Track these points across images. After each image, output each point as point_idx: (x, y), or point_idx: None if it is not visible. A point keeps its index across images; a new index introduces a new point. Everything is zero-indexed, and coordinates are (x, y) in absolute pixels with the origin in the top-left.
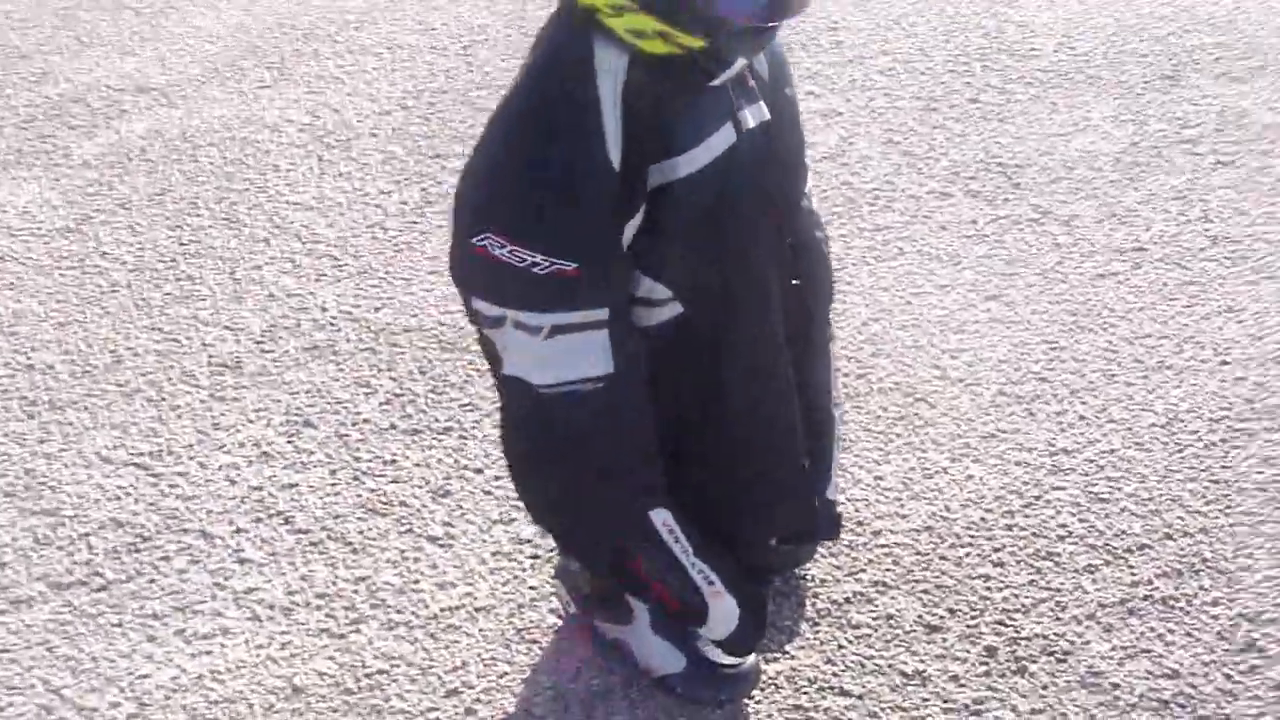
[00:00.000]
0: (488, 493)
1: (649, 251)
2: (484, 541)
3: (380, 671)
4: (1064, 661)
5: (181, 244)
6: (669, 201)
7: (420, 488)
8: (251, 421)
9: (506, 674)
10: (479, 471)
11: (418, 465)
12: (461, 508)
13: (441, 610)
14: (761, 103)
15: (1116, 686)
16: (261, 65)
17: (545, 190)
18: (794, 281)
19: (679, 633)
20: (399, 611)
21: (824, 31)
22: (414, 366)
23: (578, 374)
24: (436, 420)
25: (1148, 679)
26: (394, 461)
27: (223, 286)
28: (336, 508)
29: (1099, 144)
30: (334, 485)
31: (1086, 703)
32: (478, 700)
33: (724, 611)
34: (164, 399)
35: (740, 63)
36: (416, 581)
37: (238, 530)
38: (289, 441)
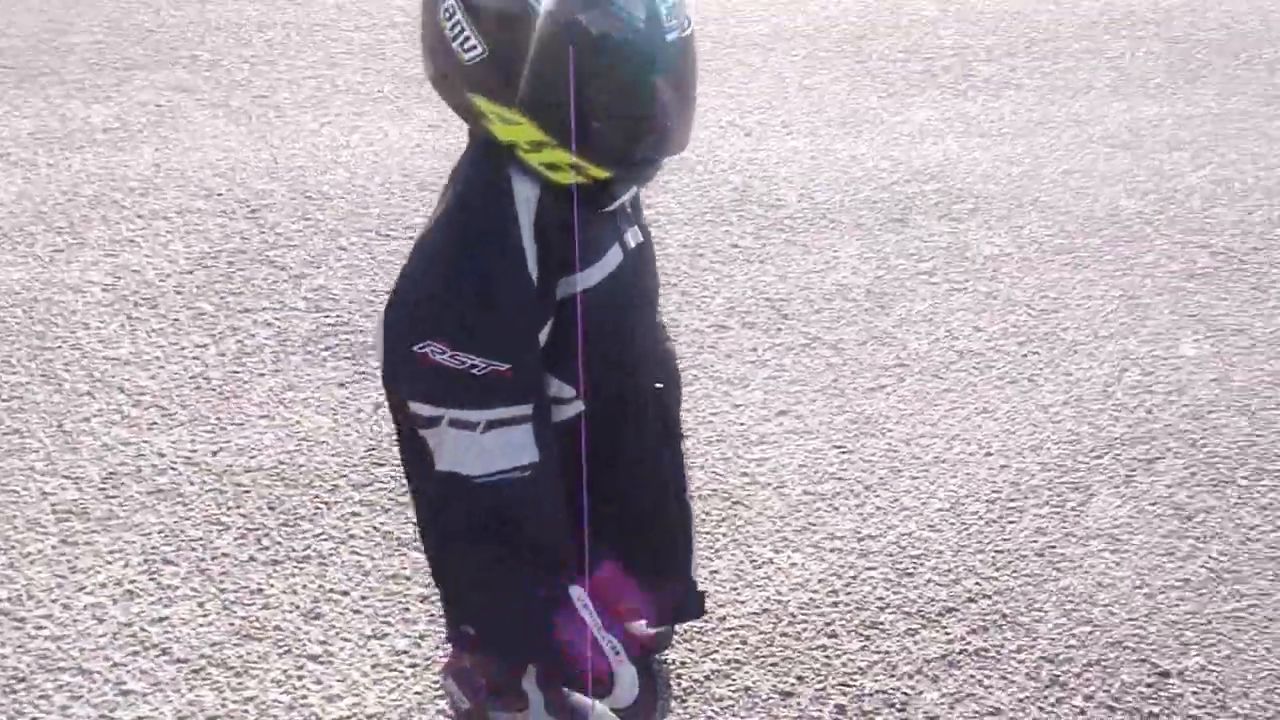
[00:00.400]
0: (358, 611)
1: (556, 356)
2: (363, 656)
3: None
4: (904, 711)
5: (3, 400)
6: (571, 313)
7: (291, 612)
8: (109, 563)
9: None
10: (345, 593)
11: (284, 592)
12: (335, 627)
13: None
14: (637, 226)
15: None
16: (51, 230)
17: (477, 302)
18: (657, 385)
19: (569, 715)
20: None
21: None
22: (262, 503)
23: (510, 463)
24: (294, 550)
25: (975, 717)
26: (260, 590)
27: (53, 438)
28: (211, 636)
29: (850, 278)
30: (205, 615)
31: None
32: None
33: (629, 679)
34: (13, 547)
35: (630, 193)
36: (304, 697)
37: (115, 665)
38: (151, 579)
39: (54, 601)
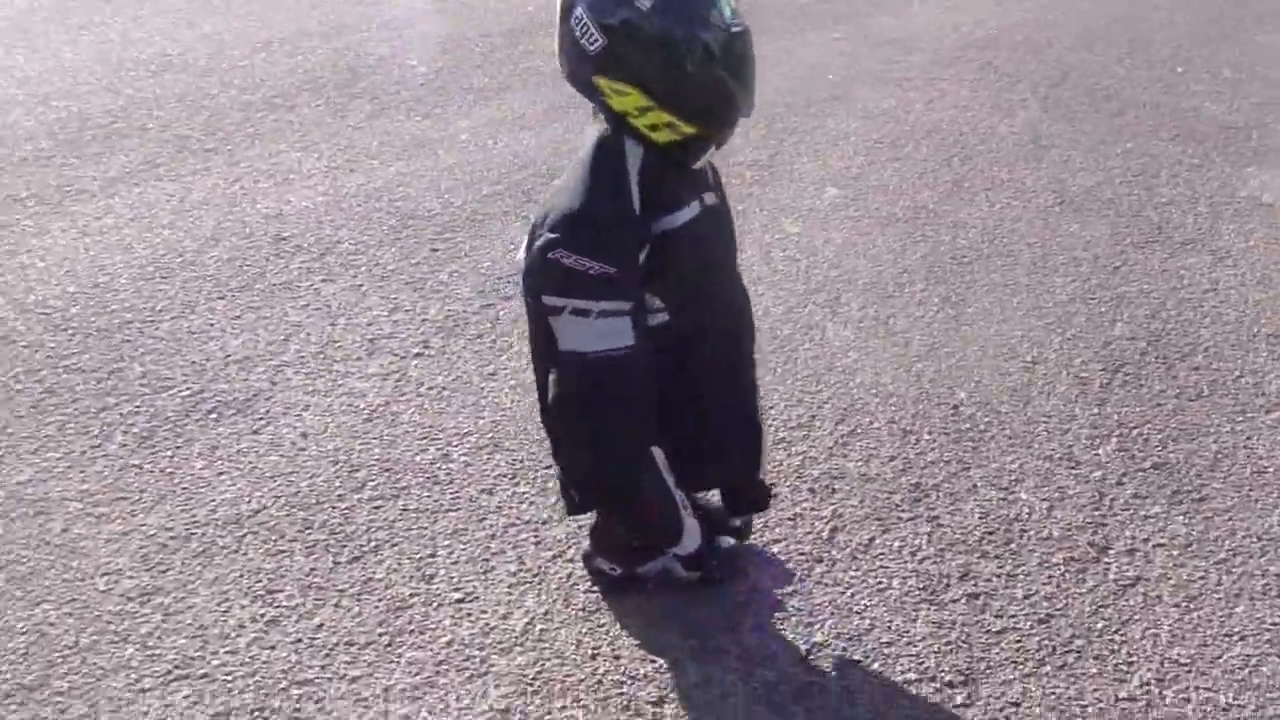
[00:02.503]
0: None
1: (650, 276)
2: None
3: None
4: None
5: None
6: (663, 244)
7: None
8: None
9: None
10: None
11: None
12: None
13: None
14: (712, 192)
15: None
16: None
17: (596, 224)
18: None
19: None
20: None
21: None
22: None
23: (613, 344)
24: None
25: None
26: None
27: None
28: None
29: None
30: None
31: None
32: None
33: (692, 529)
34: None
35: (709, 153)
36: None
37: None
38: None
39: None
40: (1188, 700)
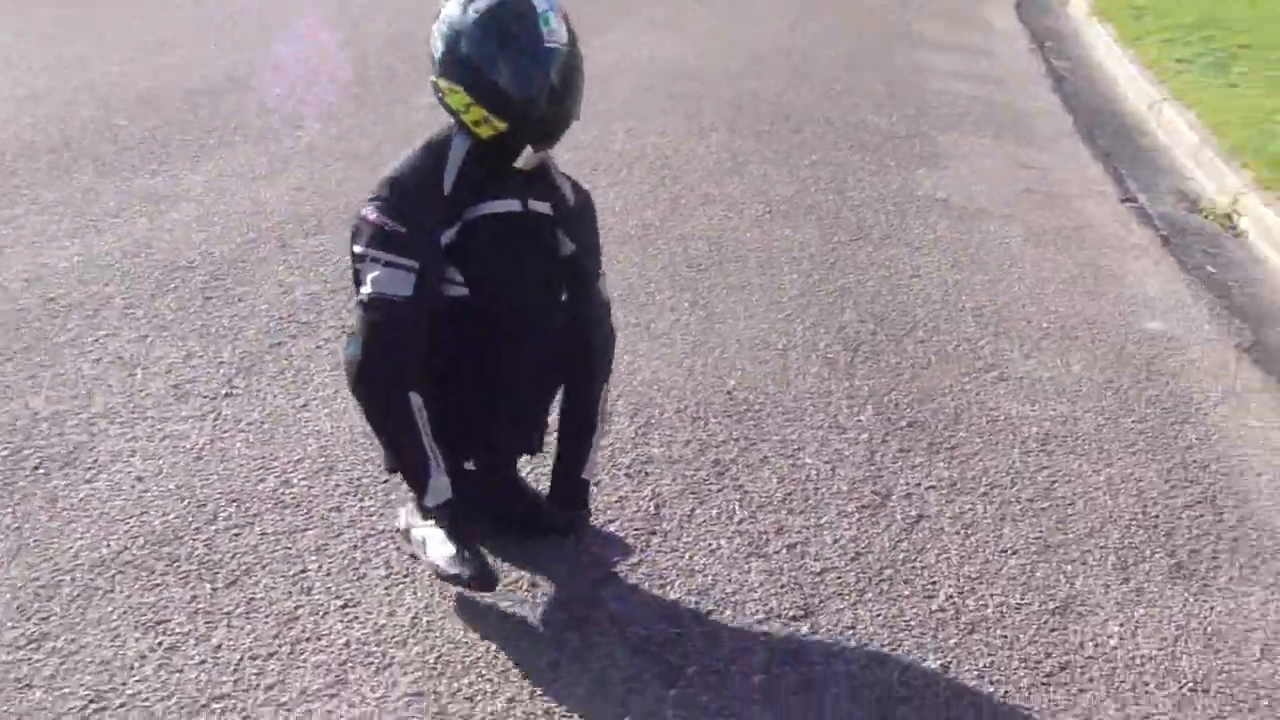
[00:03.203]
0: None
1: (453, 251)
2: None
3: None
4: None
5: None
6: (470, 228)
7: None
8: None
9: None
10: None
11: None
12: None
13: None
14: (549, 203)
15: None
16: None
17: (402, 192)
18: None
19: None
20: None
21: None
22: None
23: (394, 291)
24: None
25: None
26: None
27: None
28: None
29: None
30: None
31: None
32: None
33: (439, 487)
34: None
35: (531, 155)
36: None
37: None
38: None
39: None
40: (985, 605)
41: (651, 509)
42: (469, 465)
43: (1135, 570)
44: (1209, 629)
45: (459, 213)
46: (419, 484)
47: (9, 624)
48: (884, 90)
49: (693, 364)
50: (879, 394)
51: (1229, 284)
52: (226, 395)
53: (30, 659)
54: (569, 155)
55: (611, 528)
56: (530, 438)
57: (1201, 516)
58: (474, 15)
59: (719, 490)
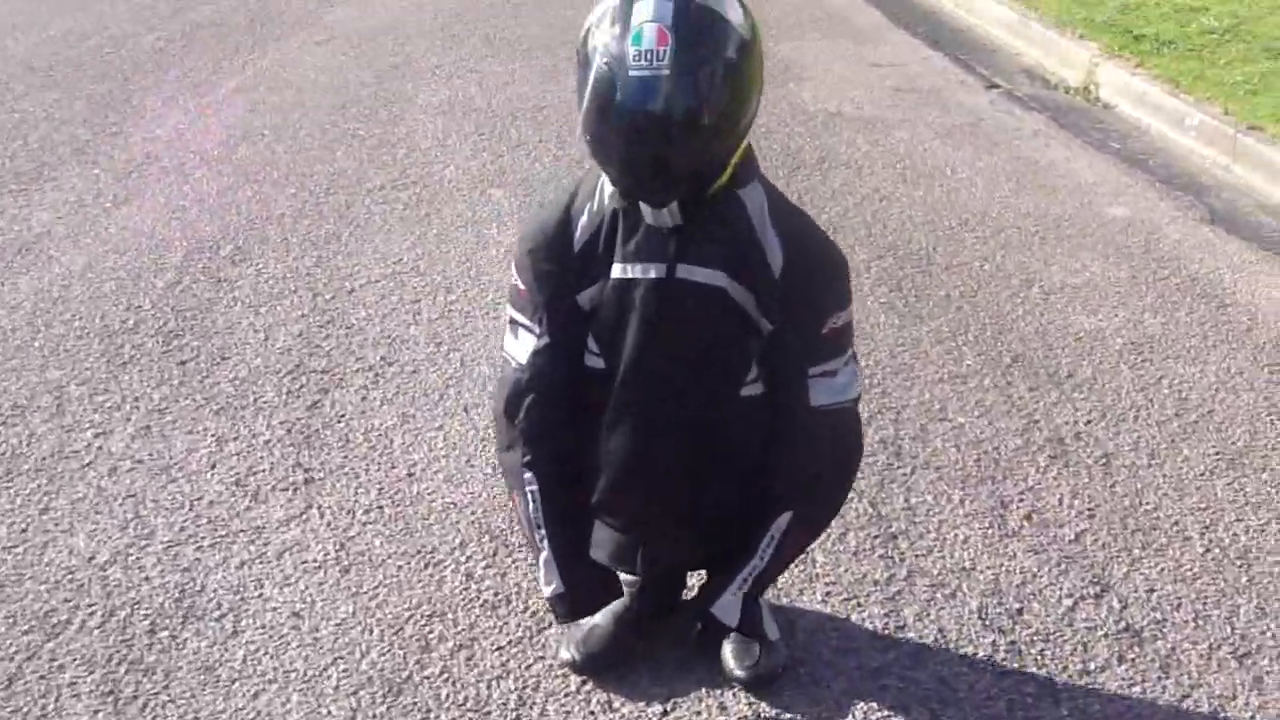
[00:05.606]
0: None
1: (592, 321)
2: None
3: None
4: None
5: None
6: (603, 293)
7: None
8: None
9: None
10: None
11: None
12: None
13: None
14: (702, 270)
15: None
16: None
17: (527, 248)
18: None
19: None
20: None
21: None
22: None
23: (513, 357)
24: None
25: None
26: None
27: None
28: None
29: None
30: None
31: None
32: None
33: (545, 571)
34: None
35: (665, 216)
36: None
37: None
38: None
39: None
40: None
41: None
42: (626, 574)
43: None
44: None
45: (594, 271)
46: (537, 561)
47: None
48: None
49: None
50: (941, 333)
51: (1140, 157)
52: (306, 483)
53: None
54: None
55: None
56: (694, 551)
57: None
58: (589, 22)
59: None
